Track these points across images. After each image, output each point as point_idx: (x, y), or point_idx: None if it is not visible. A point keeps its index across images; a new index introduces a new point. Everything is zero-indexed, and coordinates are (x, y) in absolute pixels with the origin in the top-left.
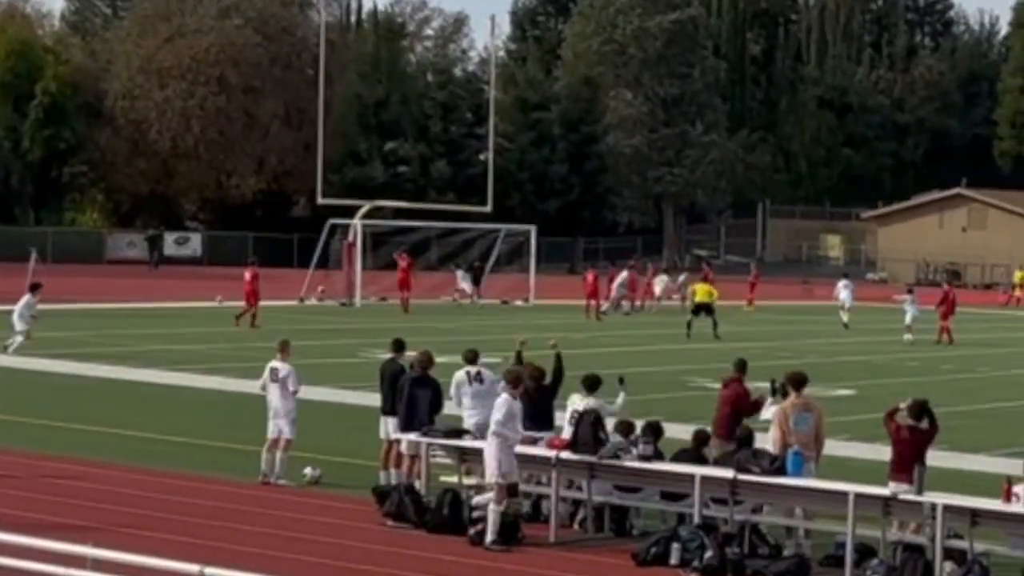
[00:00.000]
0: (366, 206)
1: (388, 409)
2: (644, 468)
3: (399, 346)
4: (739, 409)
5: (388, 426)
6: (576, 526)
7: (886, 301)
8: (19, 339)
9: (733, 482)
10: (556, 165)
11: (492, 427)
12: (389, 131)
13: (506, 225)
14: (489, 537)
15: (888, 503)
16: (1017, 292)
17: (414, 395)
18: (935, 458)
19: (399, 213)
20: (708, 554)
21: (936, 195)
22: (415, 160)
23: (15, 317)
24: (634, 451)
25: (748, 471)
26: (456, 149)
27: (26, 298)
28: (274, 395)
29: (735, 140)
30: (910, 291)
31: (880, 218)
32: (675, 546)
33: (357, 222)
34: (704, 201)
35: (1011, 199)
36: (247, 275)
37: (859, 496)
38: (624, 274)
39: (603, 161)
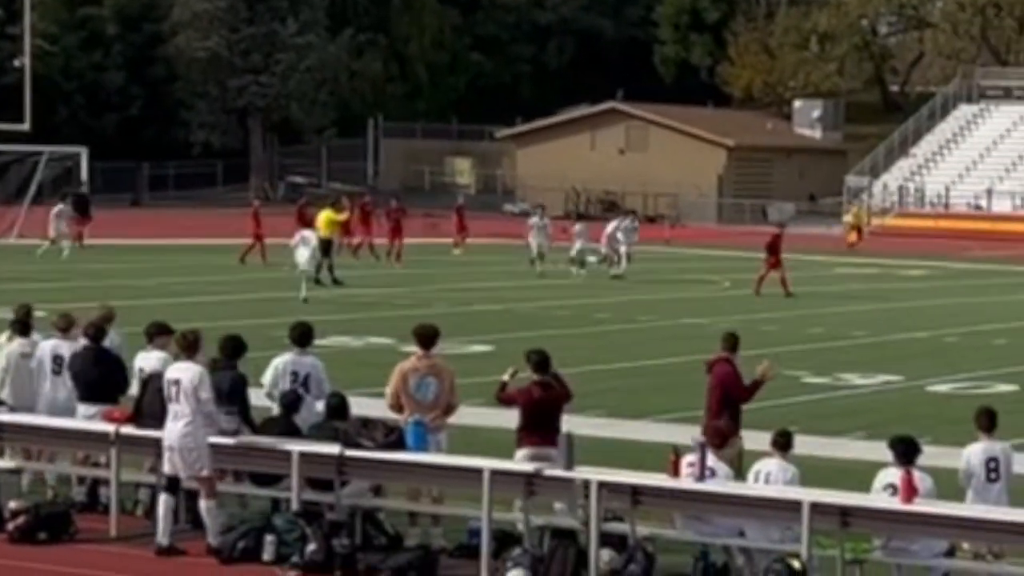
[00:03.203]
0: None
1: None
2: (225, 444)
3: None
4: (730, 395)
5: None
6: (144, 516)
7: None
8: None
9: (340, 459)
10: (112, 73)
11: (203, 407)
12: None
13: (50, 147)
14: (215, 540)
15: (532, 481)
16: (852, 235)
17: None
18: (590, 426)
19: None
20: (310, 547)
21: (586, 110)
22: None
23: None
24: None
25: (358, 446)
26: None
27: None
28: None
29: (338, 43)
30: (580, 218)
31: (519, 137)
32: (269, 538)
33: None
34: (300, 117)
35: (675, 115)
36: None
37: (496, 473)
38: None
39: (171, 68)
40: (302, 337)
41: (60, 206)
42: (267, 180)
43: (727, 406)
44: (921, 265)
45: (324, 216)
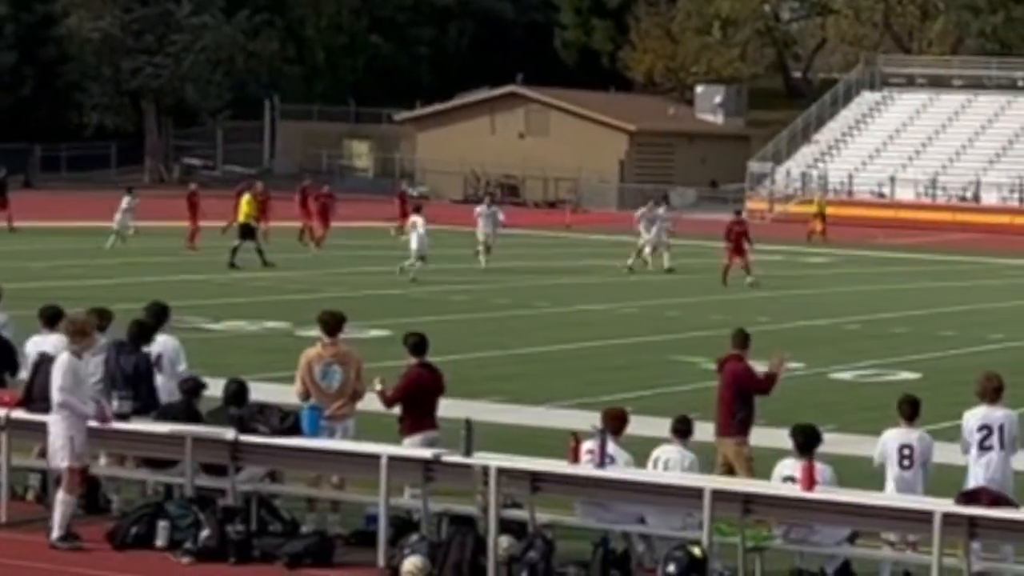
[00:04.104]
0: None
1: None
2: (121, 430)
3: None
4: (748, 389)
5: None
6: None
7: (436, 222)
8: (419, 264)
9: (234, 445)
10: (3, 53)
11: (56, 396)
12: None
13: None
14: (57, 533)
15: (430, 467)
16: (818, 224)
17: None
18: (489, 411)
19: None
20: (204, 533)
21: (486, 93)
22: None
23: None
24: (113, 405)
25: (253, 431)
26: None
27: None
28: None
29: (233, 23)
30: (491, 198)
31: (418, 120)
32: (162, 524)
33: None
34: (195, 98)
35: (576, 99)
36: None
37: (394, 460)
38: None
39: (64, 48)
40: (156, 316)
41: (128, 199)
42: (162, 162)
43: (742, 402)
44: (823, 252)
45: (244, 201)
